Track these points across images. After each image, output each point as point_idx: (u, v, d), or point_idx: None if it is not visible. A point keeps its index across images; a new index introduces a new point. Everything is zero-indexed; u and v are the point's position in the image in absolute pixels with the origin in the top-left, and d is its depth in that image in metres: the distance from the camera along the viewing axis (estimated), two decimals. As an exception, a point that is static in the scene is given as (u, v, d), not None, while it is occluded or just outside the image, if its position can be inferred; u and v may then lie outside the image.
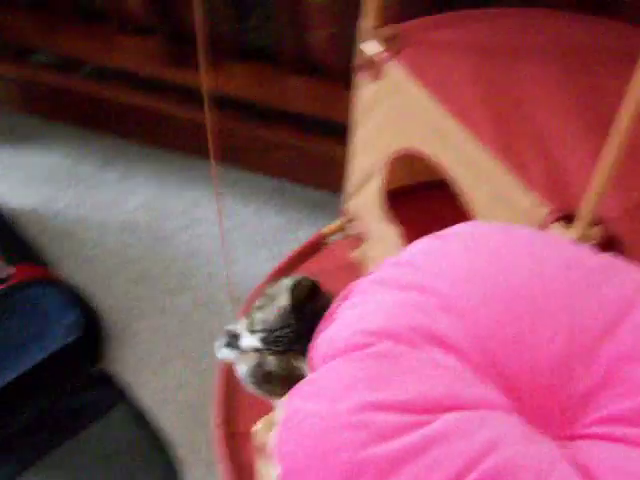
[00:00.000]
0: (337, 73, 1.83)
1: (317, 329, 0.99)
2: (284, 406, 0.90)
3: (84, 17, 2.03)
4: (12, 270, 1.57)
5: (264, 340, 1.20)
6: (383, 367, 0.87)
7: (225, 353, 1.28)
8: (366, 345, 0.89)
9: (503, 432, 0.84)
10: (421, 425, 0.84)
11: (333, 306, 1.00)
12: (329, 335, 0.95)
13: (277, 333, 1.20)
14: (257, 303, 1.26)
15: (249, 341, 1.22)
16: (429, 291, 0.93)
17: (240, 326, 1.26)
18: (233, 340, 1.27)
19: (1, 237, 1.66)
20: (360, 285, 1.00)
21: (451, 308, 0.92)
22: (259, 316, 1.22)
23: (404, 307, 0.92)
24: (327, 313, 1.00)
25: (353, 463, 0.82)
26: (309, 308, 1.23)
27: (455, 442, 0.82)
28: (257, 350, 1.21)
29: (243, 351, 1.24)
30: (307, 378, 0.92)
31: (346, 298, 1.00)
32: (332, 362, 0.91)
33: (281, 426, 0.89)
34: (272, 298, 1.25)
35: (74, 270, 1.97)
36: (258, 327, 1.21)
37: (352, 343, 0.91)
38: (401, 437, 0.82)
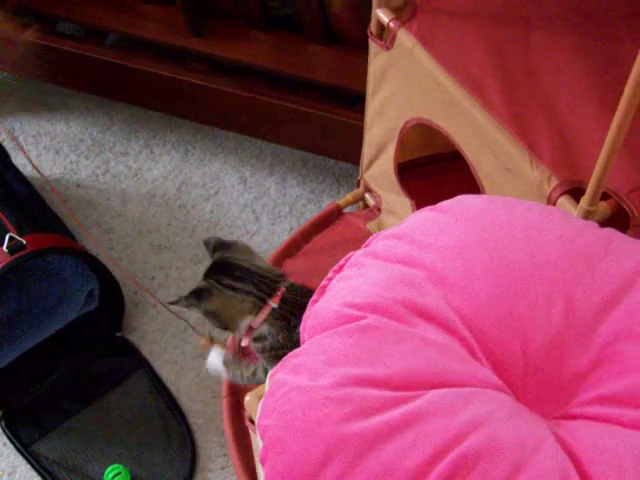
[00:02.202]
0: (360, 42, 1.80)
1: (311, 300, 0.98)
2: (269, 379, 0.90)
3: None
4: (24, 240, 1.57)
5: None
6: (368, 341, 0.86)
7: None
8: (352, 319, 0.88)
9: (489, 410, 0.83)
10: (404, 401, 0.82)
11: (327, 277, 0.99)
12: (318, 307, 0.94)
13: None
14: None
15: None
16: (420, 264, 0.92)
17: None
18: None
19: (15, 208, 1.67)
20: (354, 257, 0.98)
21: (441, 282, 0.90)
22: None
23: (393, 280, 0.91)
24: (321, 284, 0.99)
25: (333, 438, 0.81)
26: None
27: (437, 420, 0.81)
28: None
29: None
30: (293, 351, 0.91)
31: (340, 270, 0.99)
32: (319, 335, 0.90)
33: (264, 400, 0.88)
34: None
35: (96, 239, 1.98)
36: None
37: (339, 316, 0.90)
38: (383, 413, 0.81)
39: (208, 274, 1.30)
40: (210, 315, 1.29)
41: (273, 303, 1.27)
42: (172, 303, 1.29)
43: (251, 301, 1.27)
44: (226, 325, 1.30)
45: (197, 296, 1.28)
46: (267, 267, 1.33)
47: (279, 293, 1.28)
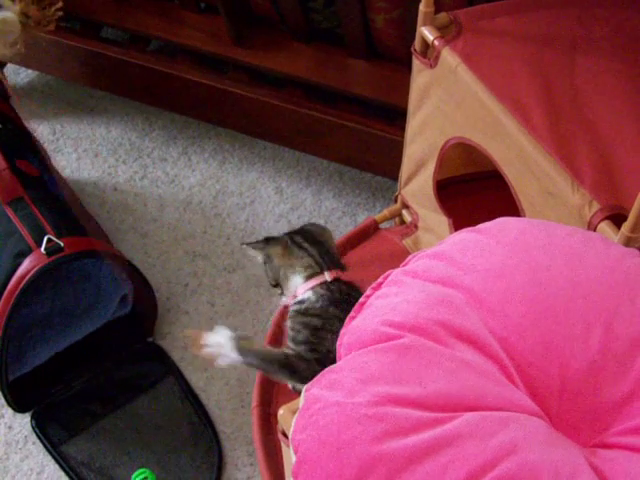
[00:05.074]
0: (401, 58, 1.80)
1: (349, 316, 0.98)
2: (304, 394, 0.90)
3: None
4: (62, 243, 1.59)
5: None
6: (405, 361, 0.86)
7: None
8: (390, 337, 0.88)
9: (525, 435, 0.82)
10: (439, 423, 0.82)
11: (365, 294, 0.99)
12: (356, 324, 0.94)
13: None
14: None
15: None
16: (459, 286, 0.92)
17: None
18: None
19: (53, 210, 1.69)
20: (393, 275, 0.98)
21: (480, 304, 0.90)
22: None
23: (432, 301, 0.91)
24: (359, 301, 0.99)
25: (366, 456, 0.81)
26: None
27: (472, 443, 0.80)
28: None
29: None
30: (330, 367, 0.91)
31: (378, 288, 0.98)
32: (355, 352, 0.90)
33: (299, 414, 0.88)
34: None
35: (131, 244, 2.00)
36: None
37: (377, 335, 0.89)
38: (417, 434, 0.81)
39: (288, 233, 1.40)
40: (269, 260, 1.36)
41: (328, 276, 1.32)
42: (248, 244, 1.39)
43: (309, 263, 1.34)
44: (277, 278, 1.36)
45: (266, 241, 1.38)
46: (337, 252, 1.40)
47: (336, 272, 1.33)
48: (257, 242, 1.39)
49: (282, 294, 1.37)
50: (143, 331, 1.85)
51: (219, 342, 1.30)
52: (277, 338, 1.48)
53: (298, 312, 1.33)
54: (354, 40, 1.84)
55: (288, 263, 1.35)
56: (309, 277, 1.33)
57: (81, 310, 1.84)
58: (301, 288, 1.33)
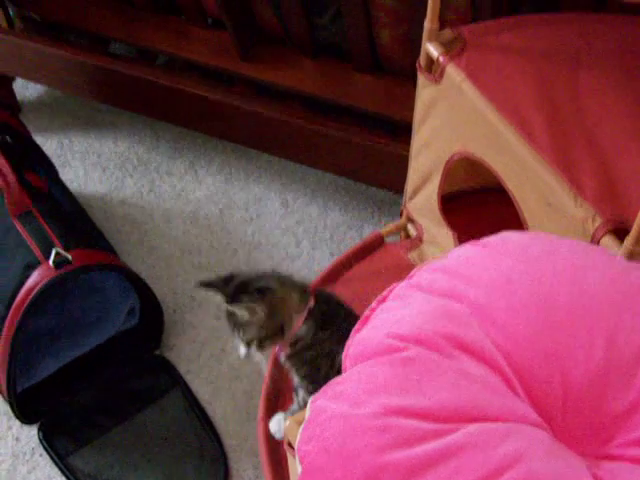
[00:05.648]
0: (406, 73, 1.82)
1: (354, 329, 0.99)
2: (310, 405, 0.91)
3: (160, 9, 2.06)
4: (70, 256, 1.60)
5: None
6: (410, 373, 0.87)
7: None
8: (395, 349, 0.89)
9: (528, 446, 0.83)
10: (443, 434, 0.83)
11: (371, 307, 1.00)
12: (361, 337, 0.95)
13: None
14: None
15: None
16: (464, 299, 0.93)
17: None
18: None
19: (61, 223, 1.70)
20: (398, 288, 0.99)
21: (484, 317, 0.91)
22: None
23: (437, 314, 0.92)
24: (364, 314, 1.00)
25: (372, 467, 0.82)
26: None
27: (475, 454, 0.81)
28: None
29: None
30: (336, 378, 0.92)
31: (383, 300, 1.00)
32: (361, 364, 0.91)
33: (305, 425, 0.89)
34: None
35: (138, 257, 2.01)
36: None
37: (382, 347, 0.91)
38: (422, 444, 0.82)
39: (252, 282, 1.33)
40: (269, 315, 1.29)
41: (312, 301, 1.31)
42: (230, 301, 1.31)
43: (298, 297, 1.31)
44: (277, 327, 1.30)
45: (260, 292, 1.30)
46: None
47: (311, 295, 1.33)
48: (250, 294, 1.31)
49: (282, 337, 1.32)
50: (150, 344, 1.86)
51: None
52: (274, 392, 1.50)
53: (293, 354, 1.33)
54: (360, 55, 1.86)
55: (288, 304, 1.31)
56: (303, 309, 1.31)
57: (88, 323, 1.86)
58: (299, 323, 1.31)
